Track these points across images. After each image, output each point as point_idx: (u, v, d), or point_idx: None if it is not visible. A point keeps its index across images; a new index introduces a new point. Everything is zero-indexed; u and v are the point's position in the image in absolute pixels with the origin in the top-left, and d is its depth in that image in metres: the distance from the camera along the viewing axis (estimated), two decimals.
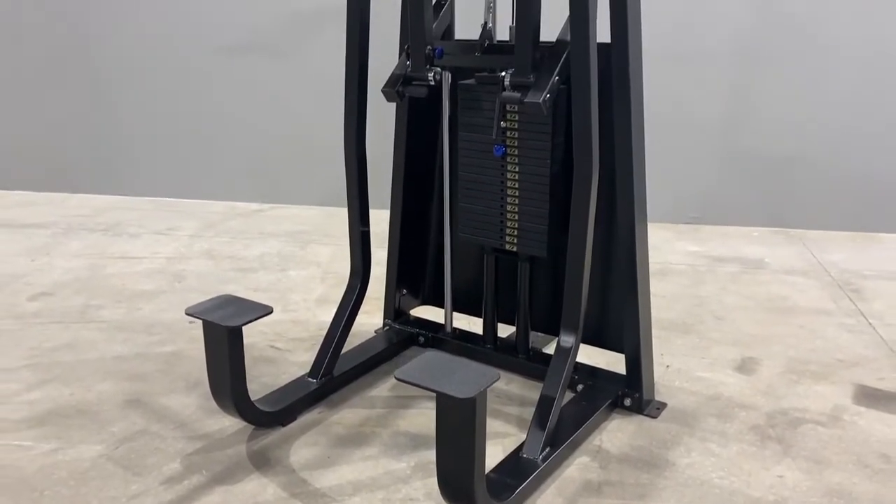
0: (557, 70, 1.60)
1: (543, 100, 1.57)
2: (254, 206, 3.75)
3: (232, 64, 3.68)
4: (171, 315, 2.43)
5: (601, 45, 1.63)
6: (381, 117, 2.15)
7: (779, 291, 2.65)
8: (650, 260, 2.91)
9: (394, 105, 2.01)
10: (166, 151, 3.88)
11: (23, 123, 3.97)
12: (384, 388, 2.01)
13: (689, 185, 3.47)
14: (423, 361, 1.39)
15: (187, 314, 1.57)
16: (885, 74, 3.17)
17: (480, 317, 2.11)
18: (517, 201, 1.86)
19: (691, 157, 3.43)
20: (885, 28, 3.12)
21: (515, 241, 1.89)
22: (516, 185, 1.85)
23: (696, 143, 3.41)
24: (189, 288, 2.69)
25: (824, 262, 2.95)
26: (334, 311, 2.00)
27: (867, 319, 2.40)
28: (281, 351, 2.21)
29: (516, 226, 1.88)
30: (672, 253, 3.09)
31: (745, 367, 2.10)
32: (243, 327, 1.58)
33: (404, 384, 1.32)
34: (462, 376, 1.32)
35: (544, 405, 1.63)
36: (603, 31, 1.62)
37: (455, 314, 2.19)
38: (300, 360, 2.13)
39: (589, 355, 1.97)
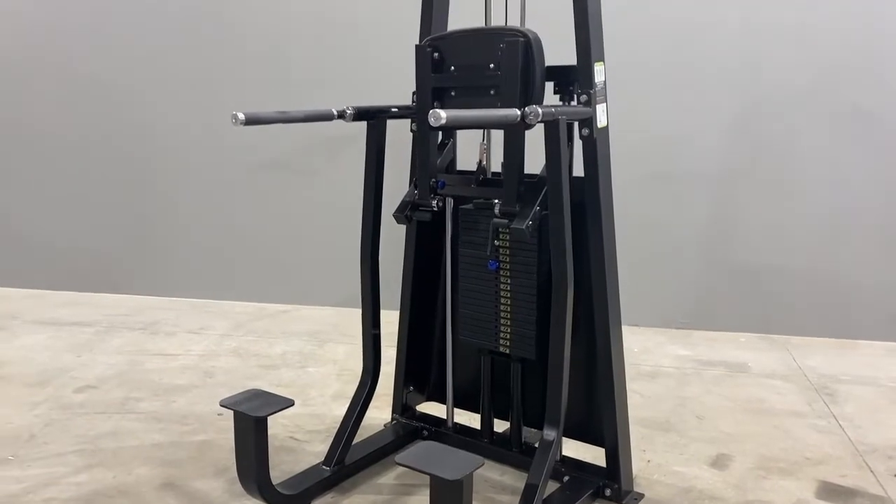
0: (539, 201, 1.88)
1: (526, 226, 1.84)
2: (279, 307, 4.02)
3: (264, 179, 4.05)
4: (203, 408, 2.66)
5: (576, 179, 1.92)
6: (394, 226, 2.43)
7: (758, 394, 2.83)
8: (643, 362, 3.16)
9: None
10: (201, 256, 4.20)
11: (70, 229, 4.32)
12: (391, 476, 2.20)
13: (680, 293, 3.70)
14: (420, 449, 1.61)
15: (221, 405, 1.80)
16: (860, 191, 3.44)
17: (479, 412, 2.32)
18: (509, 309, 2.10)
19: (682, 267, 3.68)
20: (856, 146, 3.42)
21: (508, 343, 2.12)
22: (508, 295, 2.09)
23: (687, 254, 3.66)
24: (218, 383, 2.92)
25: (804, 366, 3.13)
26: (347, 405, 2.23)
27: (838, 421, 2.57)
28: (299, 441, 2.42)
29: (509, 330, 2.11)
30: (663, 356, 3.29)
31: (718, 462, 2.27)
32: (268, 418, 1.81)
33: (409, 472, 1.54)
34: (452, 462, 1.54)
35: (528, 493, 1.82)
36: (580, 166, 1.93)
37: (456, 410, 2.39)
38: (316, 450, 2.33)
39: (576, 450, 2.15)
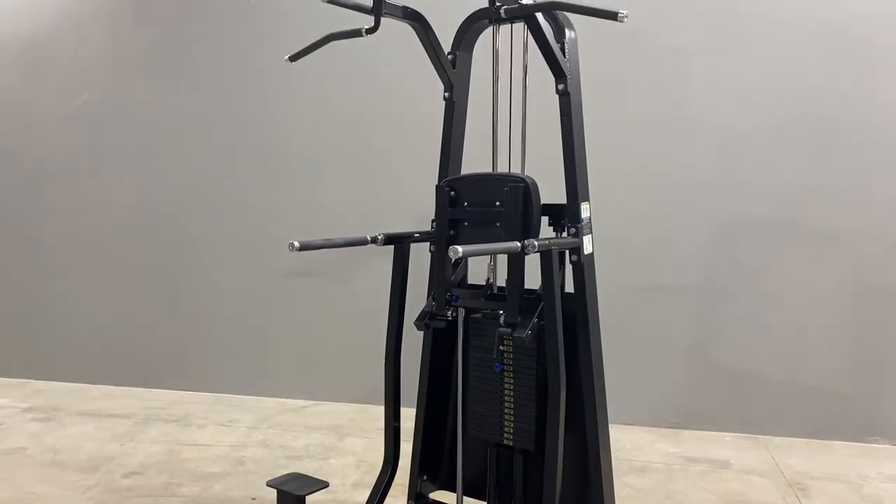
0: (537, 314, 2.22)
1: (526, 335, 2.16)
2: (301, 402, 4.29)
3: (288, 286, 4.40)
4: (237, 493, 2.91)
5: (567, 295, 2.25)
6: (412, 332, 2.75)
7: (737, 488, 3.06)
8: (635, 458, 3.40)
9: None
10: (228, 354, 4.50)
11: (108, 328, 4.65)
12: None
13: (670, 395, 3.96)
14: None
15: (268, 485, 2.08)
16: (830, 305, 3.75)
17: (485, 500, 2.56)
18: (512, 406, 2.38)
19: (672, 372, 3.95)
20: (824, 264, 3.76)
21: (512, 436, 2.40)
22: (511, 394, 2.37)
23: (676, 360, 3.93)
24: (249, 471, 3.17)
25: (781, 464, 3.36)
26: (366, 493, 2.46)
27: None
28: None
29: (512, 425, 2.39)
30: (653, 453, 3.52)
31: None
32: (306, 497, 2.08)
33: None
34: None
35: None
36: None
37: (465, 498, 2.63)
38: None
39: None
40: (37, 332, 4.80)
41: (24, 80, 4.79)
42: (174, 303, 4.59)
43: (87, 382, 4.66)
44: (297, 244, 2.05)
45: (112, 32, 4.66)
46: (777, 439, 3.73)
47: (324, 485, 2.11)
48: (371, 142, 4.25)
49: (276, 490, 2.11)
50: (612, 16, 1.78)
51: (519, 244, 1.92)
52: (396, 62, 4.10)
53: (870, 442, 3.69)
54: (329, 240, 2.19)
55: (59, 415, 3.98)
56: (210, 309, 4.54)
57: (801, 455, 3.49)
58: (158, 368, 4.59)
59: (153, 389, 4.52)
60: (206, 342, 4.54)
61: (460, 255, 1.69)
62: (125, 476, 3.08)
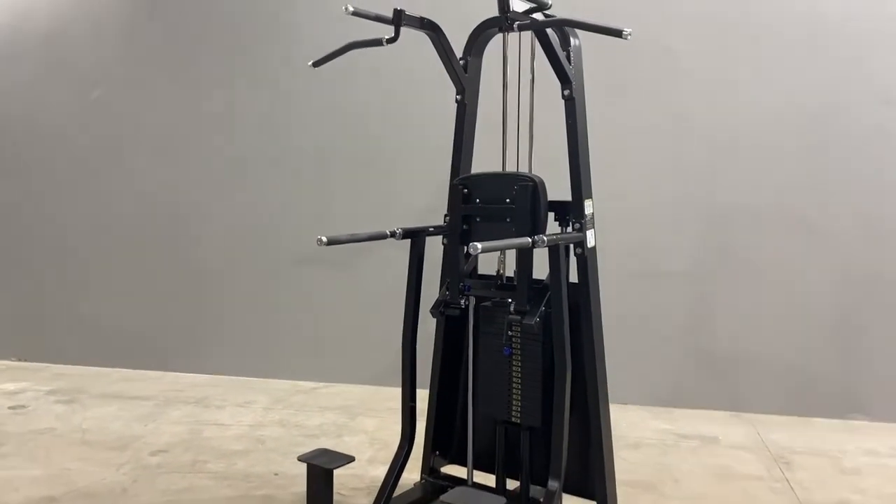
0: (544, 302, 2.38)
1: (535, 322, 2.33)
2: (312, 384, 4.46)
3: (300, 272, 4.55)
4: (261, 469, 3.07)
5: (572, 285, 2.41)
6: (427, 319, 2.91)
7: (725, 462, 3.25)
8: (630, 434, 3.59)
9: None
10: (242, 338, 4.65)
11: (127, 314, 4.79)
12: None
13: (663, 376, 4.14)
14: (458, 492, 2.06)
15: (299, 459, 2.25)
16: (812, 290, 3.93)
17: (494, 473, 2.74)
18: (520, 386, 2.55)
19: (665, 353, 4.13)
20: (806, 252, 3.94)
21: (519, 414, 2.57)
22: (519, 375, 2.54)
23: (669, 342, 4.11)
24: (269, 449, 3.34)
25: (766, 440, 3.56)
26: (381, 468, 2.64)
27: (790, 484, 2.99)
28: (345, 496, 2.82)
29: (519, 404, 2.56)
30: (646, 430, 3.71)
31: None
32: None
33: None
34: (485, 500, 1.99)
35: None
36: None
37: (475, 471, 2.81)
38: (359, 503, 2.74)
39: None
40: (56, 317, 4.94)
41: (40, 74, 4.89)
42: (189, 288, 4.73)
43: (106, 366, 4.80)
44: (324, 239, 2.20)
45: (127, 28, 4.76)
46: (762, 416, 3.93)
47: (350, 459, 2.28)
48: (381, 141, 4.38)
49: (306, 464, 2.27)
50: (617, 33, 1.92)
51: (530, 240, 2.07)
52: (410, 66, 4.21)
53: (850, 418, 3.89)
54: (354, 235, 2.35)
55: (82, 397, 4.13)
56: (224, 295, 4.68)
57: (785, 431, 3.69)
58: (175, 352, 4.74)
59: (170, 373, 4.67)
60: (222, 327, 4.69)
61: (479, 250, 1.85)
62: (153, 454, 3.24)
